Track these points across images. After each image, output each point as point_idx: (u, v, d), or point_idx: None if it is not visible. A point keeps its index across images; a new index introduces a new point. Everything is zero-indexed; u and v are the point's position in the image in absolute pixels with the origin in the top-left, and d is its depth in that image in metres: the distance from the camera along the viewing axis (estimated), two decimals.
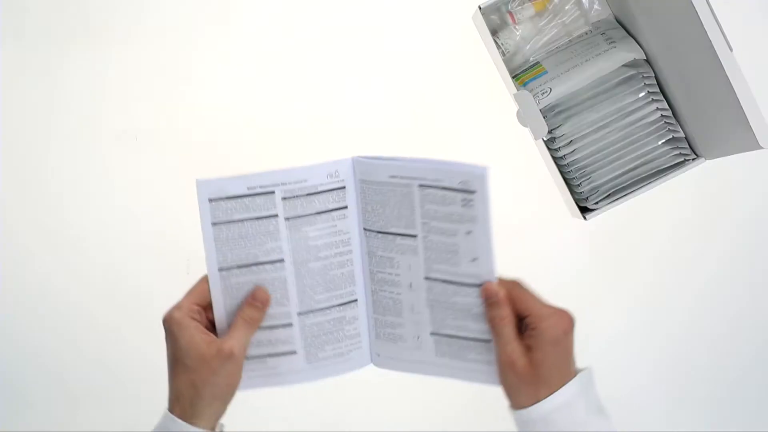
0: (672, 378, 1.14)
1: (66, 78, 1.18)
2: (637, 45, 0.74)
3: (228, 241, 0.69)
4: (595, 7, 0.79)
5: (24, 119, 1.19)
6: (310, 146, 1.14)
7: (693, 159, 0.76)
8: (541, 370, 0.65)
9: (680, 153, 0.76)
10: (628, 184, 0.77)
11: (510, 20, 0.79)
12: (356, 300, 0.71)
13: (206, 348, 0.66)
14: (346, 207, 0.69)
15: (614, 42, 0.75)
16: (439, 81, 1.16)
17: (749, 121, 0.62)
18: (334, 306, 0.70)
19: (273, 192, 0.68)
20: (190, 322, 0.67)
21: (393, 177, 0.67)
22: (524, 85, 0.79)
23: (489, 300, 0.68)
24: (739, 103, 0.62)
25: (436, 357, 0.70)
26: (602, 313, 1.12)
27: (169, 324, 0.68)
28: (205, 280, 0.70)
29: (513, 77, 0.80)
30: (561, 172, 0.79)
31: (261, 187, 0.68)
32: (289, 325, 0.70)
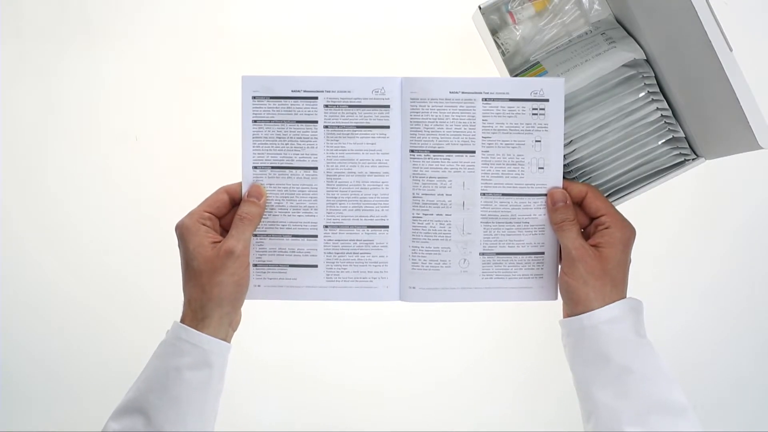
0: None
1: (66, 78, 1.18)
2: (637, 45, 0.74)
3: (266, 140, 0.69)
4: (595, 7, 0.79)
5: (24, 119, 1.19)
6: None
7: (693, 159, 0.76)
8: (609, 266, 0.67)
9: (680, 153, 0.76)
10: (628, 184, 0.77)
11: (510, 20, 0.79)
12: (387, 227, 0.70)
13: (210, 250, 0.67)
14: (388, 127, 0.69)
15: (614, 42, 0.75)
16: None
17: (749, 121, 0.62)
18: (362, 226, 0.70)
19: (316, 97, 0.69)
20: (199, 227, 0.68)
21: (453, 92, 0.69)
22: None
23: (557, 204, 0.70)
24: (739, 103, 0.62)
25: (483, 279, 0.70)
26: None
27: (180, 230, 0.69)
28: (221, 191, 0.70)
29: (513, 77, 0.80)
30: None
31: (305, 90, 0.69)
32: (314, 236, 0.70)
